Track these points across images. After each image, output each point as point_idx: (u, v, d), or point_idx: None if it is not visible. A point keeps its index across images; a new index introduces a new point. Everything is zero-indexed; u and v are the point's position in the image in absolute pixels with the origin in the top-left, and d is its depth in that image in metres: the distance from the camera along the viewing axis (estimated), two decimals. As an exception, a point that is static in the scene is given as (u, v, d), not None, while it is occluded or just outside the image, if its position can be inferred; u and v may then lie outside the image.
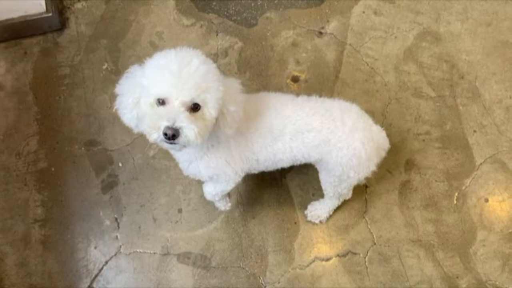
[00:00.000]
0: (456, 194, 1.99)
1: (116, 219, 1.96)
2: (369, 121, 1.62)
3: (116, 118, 2.11)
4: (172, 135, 1.25)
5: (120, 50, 2.25)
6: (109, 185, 2.01)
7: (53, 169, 2.04)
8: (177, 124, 1.25)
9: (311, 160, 1.62)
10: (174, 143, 1.29)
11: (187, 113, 1.27)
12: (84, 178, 2.02)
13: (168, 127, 1.25)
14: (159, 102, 1.29)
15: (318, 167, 1.72)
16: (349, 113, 1.56)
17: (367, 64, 2.22)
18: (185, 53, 1.31)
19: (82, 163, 2.05)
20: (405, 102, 2.14)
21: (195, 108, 1.30)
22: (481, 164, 2.04)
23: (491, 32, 2.28)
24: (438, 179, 2.01)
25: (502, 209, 1.97)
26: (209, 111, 1.31)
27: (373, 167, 1.63)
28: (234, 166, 1.57)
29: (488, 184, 2.01)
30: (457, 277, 1.87)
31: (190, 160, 1.56)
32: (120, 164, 2.04)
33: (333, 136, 1.53)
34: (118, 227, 1.95)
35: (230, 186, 1.66)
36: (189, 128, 1.26)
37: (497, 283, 1.86)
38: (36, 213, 1.97)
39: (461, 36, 2.27)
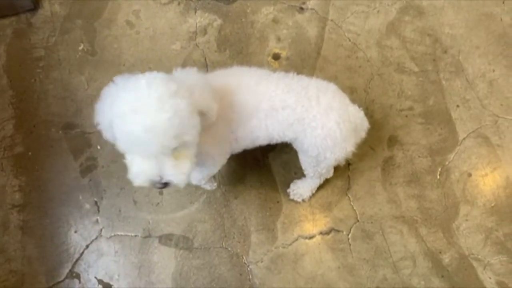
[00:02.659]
0: (439, 170, 1.98)
1: (96, 202, 1.93)
2: (346, 100, 1.56)
3: (93, 100, 2.06)
4: (163, 184, 1.24)
5: (96, 30, 2.19)
6: (88, 169, 1.98)
7: (30, 153, 2.00)
8: (165, 178, 1.22)
9: (286, 139, 1.58)
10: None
11: (171, 161, 1.21)
12: (62, 162, 1.99)
13: (157, 182, 1.23)
14: None
15: (295, 147, 1.69)
16: (325, 92, 1.51)
17: (349, 40, 2.18)
18: (156, 105, 1.16)
19: (60, 147, 2.01)
20: (388, 78, 2.11)
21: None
22: (464, 138, 2.02)
23: (475, 5, 2.24)
24: (421, 154, 1.99)
25: (485, 183, 1.96)
26: (190, 148, 1.25)
27: (350, 148, 1.58)
28: (219, 149, 1.54)
29: (471, 158, 1.99)
30: (440, 252, 1.87)
31: None
32: (99, 147, 2.00)
33: (307, 115, 1.48)
34: (98, 210, 1.92)
35: (216, 169, 1.63)
36: (177, 178, 1.23)
37: (479, 256, 1.86)
38: (14, 198, 1.93)
39: (444, 9, 2.23)
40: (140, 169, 1.22)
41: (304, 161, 1.71)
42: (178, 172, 1.23)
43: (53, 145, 2.01)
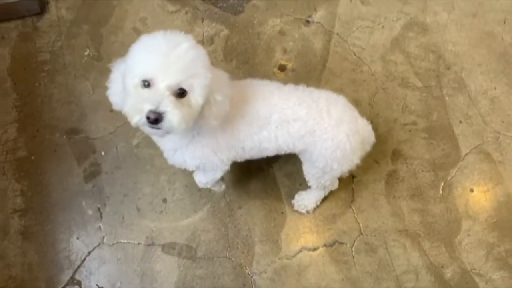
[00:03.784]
0: (442, 184, 1.99)
1: (99, 209, 1.91)
2: (355, 113, 1.60)
3: (98, 106, 2.07)
4: (155, 119, 1.21)
5: (102, 36, 2.19)
6: (92, 174, 1.96)
7: (33, 157, 1.97)
8: (161, 108, 1.20)
9: (296, 150, 1.59)
10: (157, 128, 1.24)
11: (172, 98, 1.23)
12: (66, 167, 1.97)
13: (151, 111, 1.20)
14: (144, 84, 1.24)
15: (301, 158, 1.70)
16: (335, 104, 1.54)
17: (354, 54, 2.20)
18: (175, 35, 1.27)
19: (63, 152, 1.99)
20: (392, 92, 2.14)
21: (181, 94, 1.25)
22: (466, 154, 2.05)
23: (477, 23, 2.29)
24: (424, 169, 2.01)
25: (486, 199, 1.98)
26: (195, 97, 1.27)
27: (357, 160, 1.62)
28: (220, 155, 1.54)
29: (473, 174, 2.02)
30: (442, 267, 1.87)
31: (175, 149, 1.52)
32: (103, 153, 1.99)
33: (318, 128, 1.50)
34: (101, 217, 1.90)
35: (218, 174, 1.64)
36: (173, 113, 1.21)
37: (481, 272, 1.87)
38: (15, 203, 1.90)
39: (448, 27, 2.27)
40: (145, 95, 1.23)
41: (308, 172, 1.72)
42: (176, 110, 1.22)
43: (57, 149, 1.99)
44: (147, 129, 1.28)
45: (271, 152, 1.60)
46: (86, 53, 2.15)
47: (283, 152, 1.60)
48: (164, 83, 1.22)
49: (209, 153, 1.51)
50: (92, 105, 2.06)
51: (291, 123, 1.49)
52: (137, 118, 1.23)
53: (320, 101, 1.52)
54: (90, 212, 1.91)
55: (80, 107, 2.06)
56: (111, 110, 2.04)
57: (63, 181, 1.95)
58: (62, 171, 1.96)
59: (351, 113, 1.56)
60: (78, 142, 2.00)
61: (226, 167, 1.61)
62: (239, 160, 1.62)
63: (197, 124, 1.37)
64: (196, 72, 1.25)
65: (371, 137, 1.66)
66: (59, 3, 2.23)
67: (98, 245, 1.87)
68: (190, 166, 1.57)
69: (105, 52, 2.15)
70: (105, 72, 2.09)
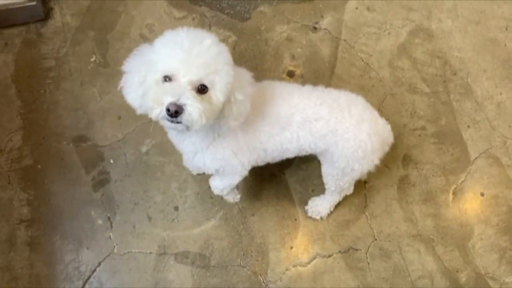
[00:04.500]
0: (453, 189, 2.00)
1: (108, 218, 1.86)
2: (375, 113, 1.62)
3: (106, 113, 2.03)
4: (175, 111, 1.19)
5: (108, 42, 2.15)
6: (100, 183, 1.91)
7: (39, 166, 1.92)
8: (182, 101, 1.19)
9: (317, 150, 1.59)
10: (177, 122, 1.23)
11: (193, 92, 1.22)
12: (73, 176, 1.92)
13: (172, 103, 1.19)
14: (165, 79, 1.23)
15: (321, 159, 1.69)
16: (355, 104, 1.56)
17: (362, 60, 2.21)
18: (198, 32, 1.28)
19: (70, 160, 1.94)
20: (400, 98, 2.14)
21: (202, 90, 1.24)
22: (475, 159, 2.06)
23: (480, 30, 2.32)
24: (435, 174, 2.02)
25: (497, 203, 1.99)
26: (217, 94, 1.26)
27: (376, 161, 1.62)
28: (241, 158, 1.52)
29: (483, 178, 2.03)
30: (457, 271, 1.87)
31: (195, 151, 1.50)
32: (112, 161, 1.95)
33: (340, 127, 1.51)
34: (111, 226, 1.85)
35: (236, 179, 1.61)
36: (193, 106, 1.20)
37: (495, 276, 1.87)
38: (22, 213, 1.85)
39: (452, 33, 2.30)
40: (167, 88, 1.22)
41: (328, 174, 1.71)
42: (196, 103, 1.20)
43: (64, 158, 1.94)
44: (167, 123, 1.26)
45: (292, 154, 1.59)
46: (92, 60, 2.11)
47: (304, 153, 1.60)
48: (185, 78, 1.21)
49: (230, 155, 1.49)
50: (99, 112, 2.02)
51: (313, 122, 1.49)
52: (157, 111, 1.22)
53: (340, 100, 1.53)
54: (99, 221, 1.86)
55: (87, 114, 2.02)
56: (119, 117, 2.01)
57: (70, 190, 1.90)
58: (69, 180, 1.91)
59: (371, 112, 1.57)
60: (86, 150, 1.96)
61: (245, 172, 1.58)
62: (260, 164, 1.60)
63: (217, 124, 1.36)
64: (218, 68, 1.24)
65: (390, 138, 1.67)
66: (64, 9, 2.19)
67: (109, 255, 1.82)
68: (209, 170, 1.55)
69: (111, 58, 2.12)
70: (112, 79, 2.08)
